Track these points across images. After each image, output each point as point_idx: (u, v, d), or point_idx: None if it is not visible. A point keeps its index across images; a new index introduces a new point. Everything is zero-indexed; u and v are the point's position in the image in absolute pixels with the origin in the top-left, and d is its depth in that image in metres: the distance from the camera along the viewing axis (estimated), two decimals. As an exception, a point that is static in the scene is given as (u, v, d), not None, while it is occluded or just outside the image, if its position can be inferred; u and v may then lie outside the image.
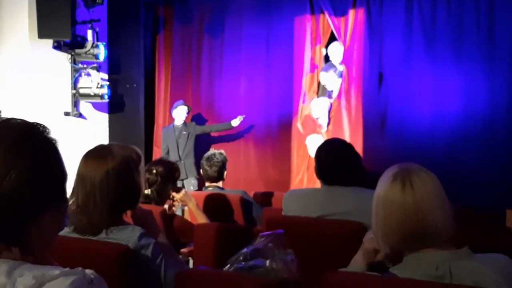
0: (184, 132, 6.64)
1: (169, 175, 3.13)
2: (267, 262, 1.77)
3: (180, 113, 6.66)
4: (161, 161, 3.30)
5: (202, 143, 6.78)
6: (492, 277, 1.34)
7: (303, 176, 6.52)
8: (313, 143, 6.26)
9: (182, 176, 6.31)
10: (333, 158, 2.56)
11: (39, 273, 0.91)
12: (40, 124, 1.06)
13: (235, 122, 6.68)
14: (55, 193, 1.04)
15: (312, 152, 6.19)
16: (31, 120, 1.06)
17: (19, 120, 1.03)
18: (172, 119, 6.88)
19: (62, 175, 1.06)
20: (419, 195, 1.42)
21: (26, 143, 1.00)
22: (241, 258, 1.83)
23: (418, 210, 1.41)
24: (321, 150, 2.65)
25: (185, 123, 6.71)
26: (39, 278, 0.90)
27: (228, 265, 1.84)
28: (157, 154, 7.08)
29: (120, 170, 1.88)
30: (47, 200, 1.01)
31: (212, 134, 7.07)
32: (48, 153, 1.04)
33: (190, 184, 6.51)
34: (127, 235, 1.85)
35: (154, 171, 3.08)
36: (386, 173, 1.52)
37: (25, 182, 0.97)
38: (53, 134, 1.07)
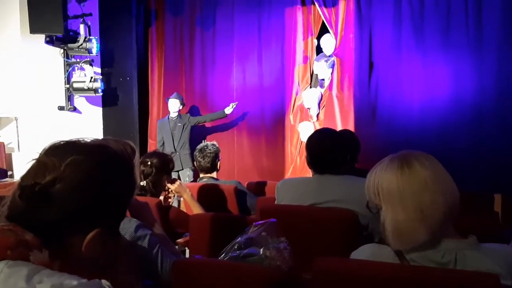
0: (179, 124, 6.68)
1: (163, 167, 3.15)
2: (261, 250, 1.80)
3: (172, 104, 6.71)
4: (155, 153, 3.32)
5: (196, 134, 6.82)
6: (495, 269, 1.33)
7: (296, 165, 6.59)
8: (305, 129, 6.32)
9: (178, 167, 6.37)
10: (324, 147, 2.59)
11: (57, 282, 0.91)
12: (126, 157, 1.12)
13: (228, 110, 6.72)
14: (109, 216, 1.06)
15: (304, 138, 6.25)
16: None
17: (111, 141, 1.09)
18: (166, 111, 6.91)
19: (123, 204, 1.10)
20: (431, 181, 1.42)
21: (105, 166, 1.04)
22: (236, 247, 1.86)
23: (433, 195, 1.40)
24: (311, 140, 2.68)
25: (180, 115, 6.75)
26: (57, 287, 0.90)
27: (223, 254, 1.88)
28: (152, 146, 7.12)
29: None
30: (100, 220, 1.03)
31: (207, 124, 7.10)
32: (118, 181, 1.07)
33: (185, 175, 6.56)
34: (124, 226, 1.88)
35: (149, 162, 3.10)
36: (390, 166, 1.49)
37: (84, 196, 0.99)
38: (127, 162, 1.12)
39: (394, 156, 1.51)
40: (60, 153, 1.02)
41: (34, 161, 1.03)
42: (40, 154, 1.04)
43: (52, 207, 0.97)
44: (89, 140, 1.09)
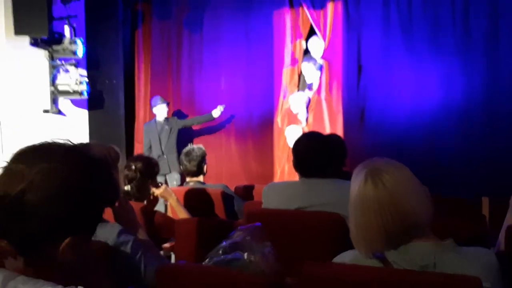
0: (166, 127, 6.64)
1: (148, 171, 3.13)
2: (245, 255, 1.79)
3: (160, 111, 6.67)
4: (140, 157, 3.29)
5: (184, 138, 6.78)
6: (474, 271, 1.34)
7: (284, 169, 6.57)
8: (292, 134, 6.30)
9: (165, 171, 6.34)
10: (311, 151, 2.58)
11: None
12: (102, 161, 1.08)
13: (216, 113, 6.69)
14: (85, 222, 1.02)
15: (291, 143, 6.23)
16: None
17: (95, 145, 1.03)
18: (153, 114, 6.87)
19: (99, 209, 1.06)
20: (393, 192, 1.43)
21: (77, 172, 0.99)
22: (220, 251, 1.85)
23: (395, 207, 1.42)
24: (298, 144, 2.67)
25: (166, 118, 6.71)
26: None
27: (208, 259, 1.86)
28: (138, 150, 7.05)
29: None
30: (76, 226, 0.99)
31: (194, 128, 7.06)
32: (93, 187, 1.02)
33: (173, 178, 6.52)
34: (106, 232, 1.86)
35: (133, 167, 3.07)
36: (356, 176, 1.51)
37: (57, 205, 0.95)
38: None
39: (364, 166, 1.52)
40: (29, 160, 0.97)
41: (2, 169, 0.98)
42: (9, 161, 0.99)
43: (25, 218, 0.93)
44: (61, 143, 1.03)
